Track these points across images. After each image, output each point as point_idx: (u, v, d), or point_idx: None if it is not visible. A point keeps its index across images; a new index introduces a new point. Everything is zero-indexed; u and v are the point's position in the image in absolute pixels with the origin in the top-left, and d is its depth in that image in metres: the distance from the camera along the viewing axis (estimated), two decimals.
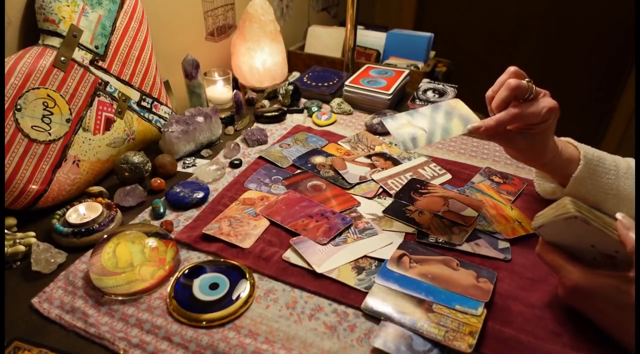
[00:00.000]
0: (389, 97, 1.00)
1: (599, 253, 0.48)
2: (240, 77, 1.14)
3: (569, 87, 2.01)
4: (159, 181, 0.74)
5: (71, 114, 0.69)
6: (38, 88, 0.65)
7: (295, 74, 1.23)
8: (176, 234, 0.64)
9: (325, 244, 0.61)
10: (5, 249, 0.58)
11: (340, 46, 1.43)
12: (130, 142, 0.80)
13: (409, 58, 1.43)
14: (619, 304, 0.44)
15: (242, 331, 0.50)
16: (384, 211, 0.68)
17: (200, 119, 0.85)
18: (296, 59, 1.43)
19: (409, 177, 0.77)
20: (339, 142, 0.89)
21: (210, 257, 0.60)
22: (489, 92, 0.60)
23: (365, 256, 0.59)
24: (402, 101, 1.11)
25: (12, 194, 0.63)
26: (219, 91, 1.04)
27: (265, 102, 1.05)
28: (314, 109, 1.02)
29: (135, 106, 0.81)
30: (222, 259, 0.59)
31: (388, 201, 0.71)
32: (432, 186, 0.74)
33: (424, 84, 1.03)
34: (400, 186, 0.74)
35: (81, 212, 0.64)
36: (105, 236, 0.60)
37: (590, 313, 0.48)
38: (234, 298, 0.53)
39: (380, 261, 0.59)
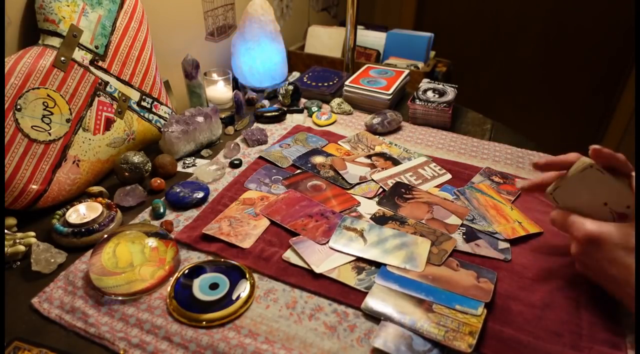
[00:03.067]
0: (389, 97, 1.00)
1: (610, 212, 0.52)
2: (240, 77, 1.14)
3: (569, 87, 2.02)
4: (159, 181, 0.74)
5: (71, 114, 0.69)
6: (38, 88, 0.65)
7: (295, 74, 1.23)
8: (176, 234, 0.64)
9: (324, 244, 0.61)
10: (5, 249, 0.58)
11: (340, 46, 1.43)
12: (130, 142, 0.80)
13: (409, 58, 1.43)
14: (628, 246, 0.46)
15: (242, 331, 0.50)
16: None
17: (200, 119, 0.85)
18: (296, 59, 1.43)
19: (409, 177, 0.77)
20: (339, 142, 0.89)
21: (210, 257, 0.60)
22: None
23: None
24: (402, 100, 1.11)
25: (12, 194, 0.63)
26: (219, 90, 1.04)
27: (265, 102, 1.05)
28: (314, 109, 1.02)
29: (135, 106, 0.81)
30: (222, 259, 0.59)
31: None
32: (417, 190, 0.73)
33: (424, 84, 1.03)
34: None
35: (81, 212, 0.64)
36: (105, 236, 0.60)
37: (602, 266, 0.49)
38: (234, 298, 0.53)
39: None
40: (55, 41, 0.68)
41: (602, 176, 0.51)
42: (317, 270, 0.56)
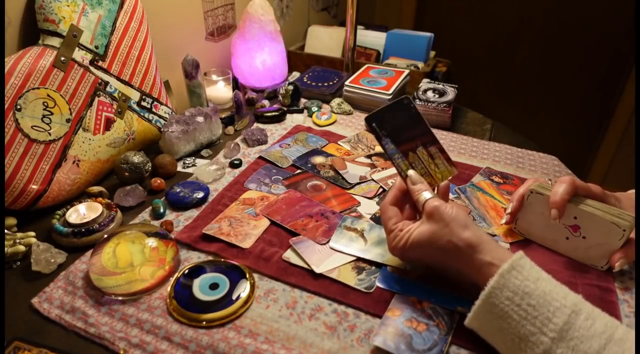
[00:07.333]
0: (389, 97, 1.00)
1: (565, 227, 0.55)
2: (240, 77, 1.14)
3: (569, 87, 2.01)
4: (159, 181, 0.74)
5: (71, 114, 0.69)
6: (38, 88, 0.65)
7: (295, 74, 1.23)
8: (176, 234, 0.64)
9: (324, 244, 0.61)
10: (5, 249, 0.58)
11: (340, 46, 1.43)
12: (130, 142, 0.80)
13: (409, 58, 1.43)
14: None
15: (242, 331, 0.50)
16: None
17: (200, 119, 0.85)
18: (296, 59, 1.43)
19: None
20: (339, 142, 0.89)
21: (210, 257, 0.60)
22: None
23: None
24: None
25: (12, 194, 0.63)
26: (219, 90, 1.04)
27: (265, 102, 1.05)
28: (314, 109, 1.02)
29: (135, 106, 0.81)
30: (222, 259, 0.59)
31: None
32: None
33: (424, 84, 1.03)
34: None
35: (81, 212, 0.64)
36: (105, 236, 0.60)
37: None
38: (234, 298, 0.53)
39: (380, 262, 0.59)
40: (55, 41, 0.68)
41: (543, 197, 0.53)
42: (317, 270, 0.56)
